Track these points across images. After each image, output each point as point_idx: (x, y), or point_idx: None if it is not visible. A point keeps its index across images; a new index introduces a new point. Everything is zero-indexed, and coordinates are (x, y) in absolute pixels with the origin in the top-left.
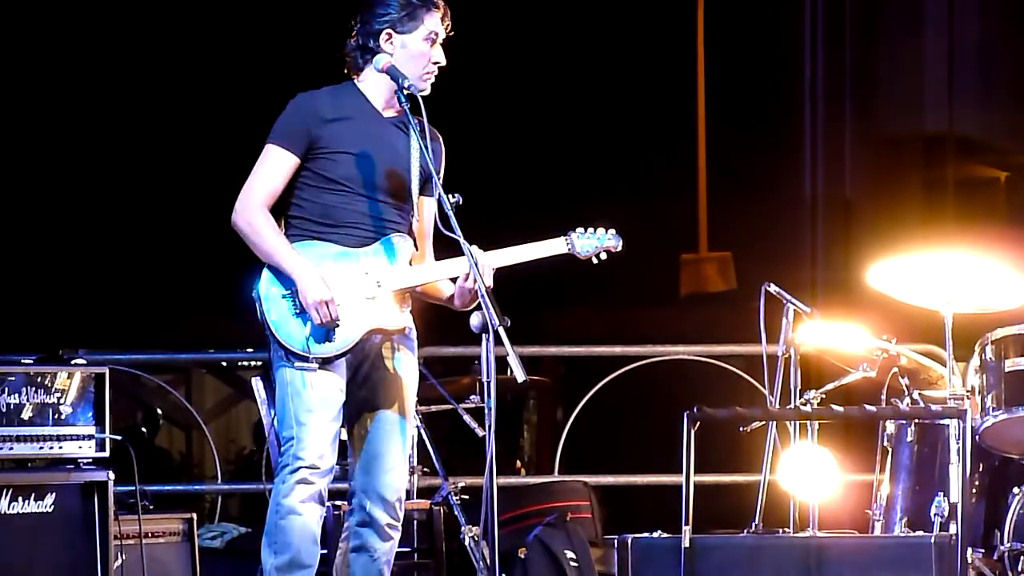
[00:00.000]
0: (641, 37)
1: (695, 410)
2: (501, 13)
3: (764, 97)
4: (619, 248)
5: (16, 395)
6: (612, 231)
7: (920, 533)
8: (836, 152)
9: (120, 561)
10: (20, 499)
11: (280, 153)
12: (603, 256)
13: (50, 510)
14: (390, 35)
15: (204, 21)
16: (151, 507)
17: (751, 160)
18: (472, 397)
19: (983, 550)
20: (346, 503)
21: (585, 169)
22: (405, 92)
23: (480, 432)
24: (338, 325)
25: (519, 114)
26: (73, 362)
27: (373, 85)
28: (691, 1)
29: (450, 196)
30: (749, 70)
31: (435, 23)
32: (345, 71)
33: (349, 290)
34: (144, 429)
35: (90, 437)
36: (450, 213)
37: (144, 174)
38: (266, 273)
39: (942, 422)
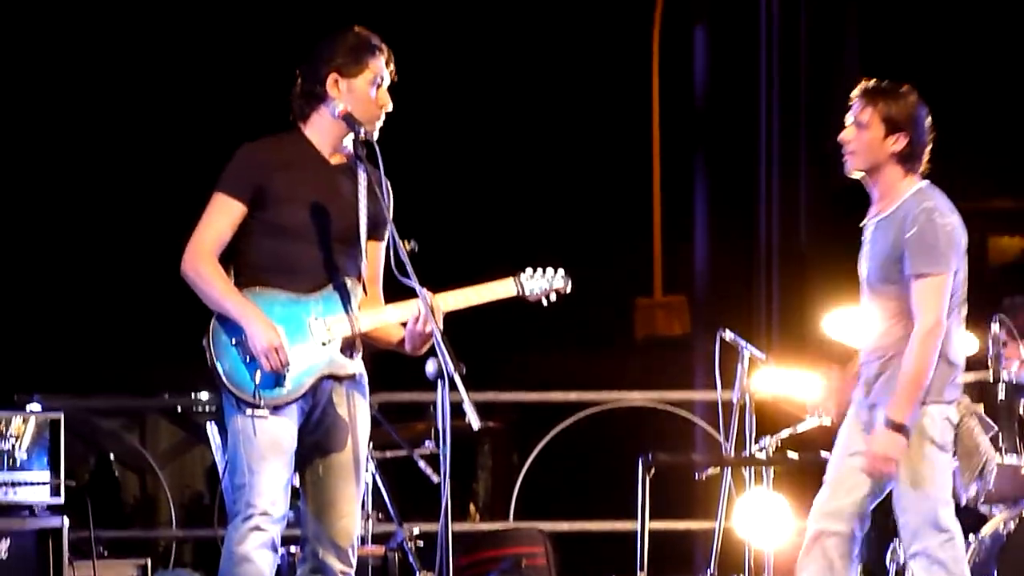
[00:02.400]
0: (598, 81)
1: (650, 456)
2: (457, 55)
3: (721, 144)
4: (568, 289)
5: None
6: (561, 272)
7: None
8: (791, 199)
9: None
10: None
11: (227, 201)
12: (552, 297)
13: (4, 556)
14: (336, 80)
15: (156, 72)
16: (106, 553)
17: (706, 206)
18: (427, 443)
19: None
20: (299, 549)
21: (540, 213)
22: (361, 139)
23: (435, 478)
24: (288, 371)
25: (473, 158)
26: (28, 408)
27: (320, 131)
28: (647, 47)
29: (406, 242)
30: (705, 116)
31: (379, 67)
32: (291, 118)
33: (299, 336)
34: (116, 474)
35: (45, 483)
36: (405, 259)
37: (97, 221)
38: (215, 321)
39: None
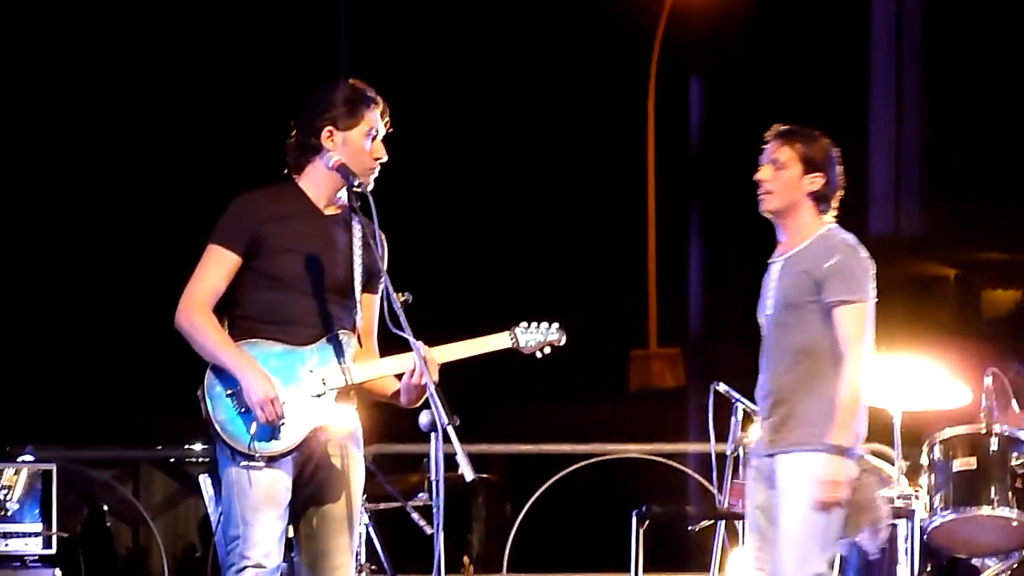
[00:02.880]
0: (593, 135)
1: (644, 508)
2: (455, 106)
3: (713, 196)
4: (563, 342)
5: None
6: (556, 325)
7: None
8: None
9: None
10: None
11: (222, 252)
12: (547, 351)
13: None
14: (331, 132)
15: (153, 123)
16: None
17: (701, 259)
18: (420, 495)
19: None
20: None
21: (536, 265)
22: (356, 190)
23: (428, 530)
24: (284, 423)
25: (470, 211)
26: (20, 459)
27: (314, 183)
28: (642, 101)
29: (400, 294)
30: (698, 169)
31: (375, 119)
32: (285, 169)
33: (294, 388)
34: (108, 525)
35: (37, 534)
36: (399, 311)
37: (91, 273)
38: (210, 372)
39: (891, 522)
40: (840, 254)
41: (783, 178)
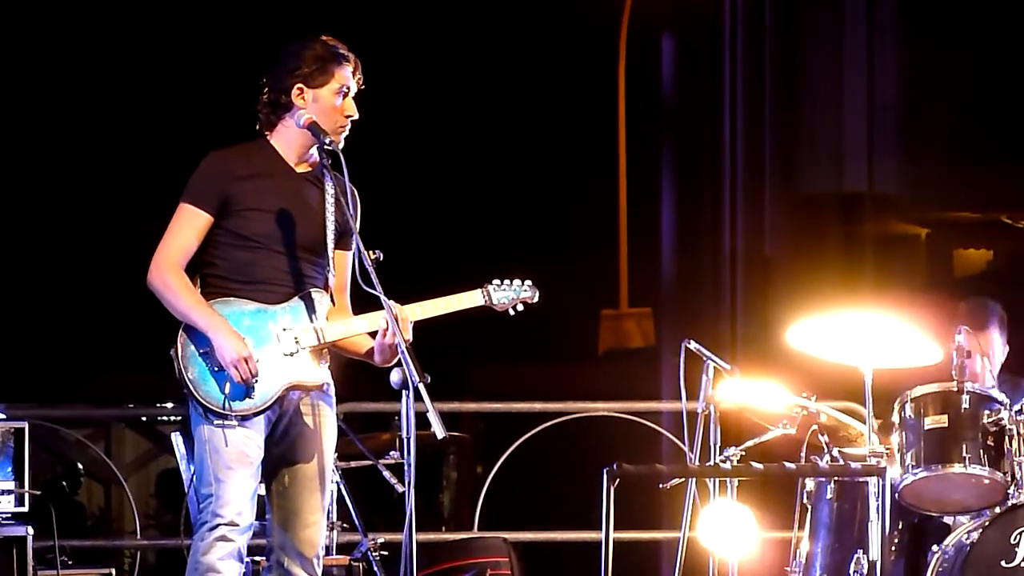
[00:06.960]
0: (563, 92)
1: (614, 466)
2: (425, 65)
3: (685, 154)
4: (535, 299)
5: None
6: (528, 282)
7: None
8: (756, 209)
9: None
10: None
11: (193, 212)
12: (520, 308)
13: None
14: (301, 90)
15: (118, 82)
16: (70, 562)
17: (673, 217)
18: (392, 453)
19: None
20: (264, 559)
21: (506, 224)
22: (326, 148)
23: (400, 488)
24: (257, 382)
25: (440, 168)
26: None
27: (286, 140)
28: (613, 58)
29: (370, 252)
30: (670, 127)
31: (346, 76)
32: (257, 127)
33: (267, 347)
34: (64, 483)
35: (9, 492)
36: (370, 269)
37: (62, 231)
38: (183, 331)
39: (862, 480)
40: None
41: None
